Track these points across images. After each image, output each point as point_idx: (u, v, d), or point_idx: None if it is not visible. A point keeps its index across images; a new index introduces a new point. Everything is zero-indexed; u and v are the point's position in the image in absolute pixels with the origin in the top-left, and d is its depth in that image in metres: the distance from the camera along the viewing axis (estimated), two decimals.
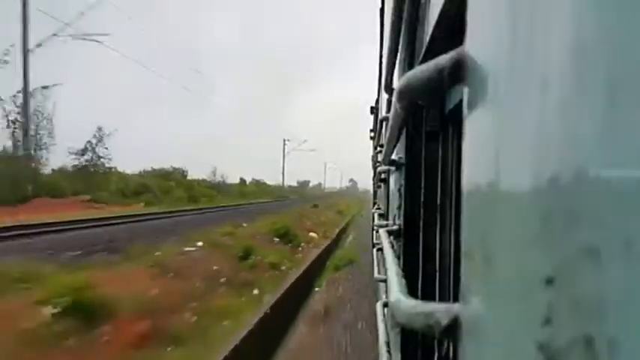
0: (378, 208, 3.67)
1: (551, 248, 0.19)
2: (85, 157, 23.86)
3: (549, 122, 0.20)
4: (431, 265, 1.11)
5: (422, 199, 1.12)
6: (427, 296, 1.09)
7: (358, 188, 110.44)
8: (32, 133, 20.09)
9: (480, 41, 0.31)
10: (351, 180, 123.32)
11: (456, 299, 0.34)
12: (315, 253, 11.63)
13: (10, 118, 20.27)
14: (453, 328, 0.32)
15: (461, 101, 0.44)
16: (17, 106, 20.13)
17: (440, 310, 0.34)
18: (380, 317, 1.56)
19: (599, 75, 0.16)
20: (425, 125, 1.10)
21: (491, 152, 0.27)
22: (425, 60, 0.63)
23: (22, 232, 10.44)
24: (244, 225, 12.83)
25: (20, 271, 5.42)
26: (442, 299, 1.07)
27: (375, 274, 2.51)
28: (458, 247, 0.34)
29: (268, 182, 56.22)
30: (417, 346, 1.11)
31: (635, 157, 0.14)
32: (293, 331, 5.87)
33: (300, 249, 12.44)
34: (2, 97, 20.01)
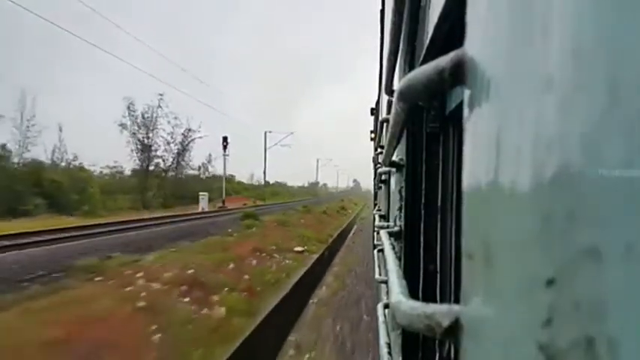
0: (379, 210, 3.66)
1: (552, 249, 0.19)
2: (200, 171, 38.99)
3: (549, 123, 0.20)
4: (432, 266, 1.11)
5: (423, 201, 1.12)
6: (428, 298, 1.09)
7: (361, 188, 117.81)
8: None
9: (480, 42, 0.31)
10: (355, 180, 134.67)
11: (457, 301, 0.34)
12: (354, 213, 31.69)
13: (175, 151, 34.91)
14: (453, 330, 0.32)
15: (461, 102, 0.44)
16: (182, 146, 34.90)
17: (441, 312, 0.33)
18: (381, 319, 1.55)
19: (599, 75, 0.16)
20: (425, 126, 1.10)
21: (491, 153, 0.27)
22: (425, 61, 0.63)
23: (265, 208, 26.11)
24: (325, 206, 28.37)
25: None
26: (443, 301, 1.06)
27: (376, 276, 2.50)
28: (459, 249, 0.34)
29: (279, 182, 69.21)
30: (417, 348, 1.11)
31: (635, 158, 0.14)
32: (353, 226, 23.44)
33: (348, 212, 31.02)
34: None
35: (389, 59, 1.24)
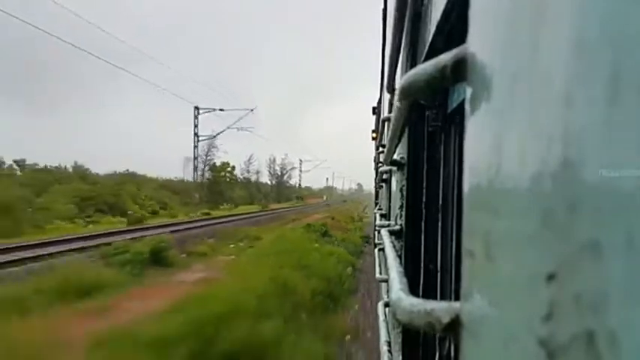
0: (380, 209, 3.66)
1: (553, 245, 0.19)
2: (278, 179, 62.69)
3: (551, 120, 0.20)
4: (432, 264, 1.11)
5: (424, 199, 1.12)
6: (429, 296, 1.08)
7: (363, 190, 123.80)
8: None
9: (482, 39, 0.31)
10: (358, 184, 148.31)
11: (457, 299, 0.34)
12: (366, 202, 47.06)
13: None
14: (454, 326, 0.32)
15: (463, 101, 0.44)
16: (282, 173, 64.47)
17: (441, 308, 0.33)
18: (381, 317, 1.56)
19: (601, 73, 0.16)
20: (427, 125, 1.10)
21: (493, 151, 0.27)
22: (427, 59, 0.63)
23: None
24: (354, 201, 60.78)
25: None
26: (444, 299, 1.06)
27: (377, 275, 2.50)
28: (459, 247, 0.34)
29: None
30: (417, 346, 1.11)
31: (635, 155, 0.14)
32: (367, 204, 41.41)
33: (364, 202, 50.30)
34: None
35: (391, 57, 1.24)
